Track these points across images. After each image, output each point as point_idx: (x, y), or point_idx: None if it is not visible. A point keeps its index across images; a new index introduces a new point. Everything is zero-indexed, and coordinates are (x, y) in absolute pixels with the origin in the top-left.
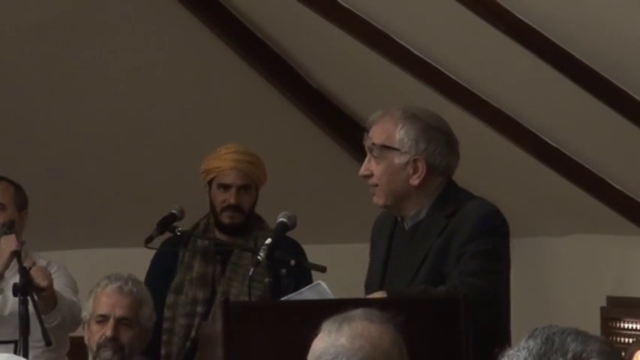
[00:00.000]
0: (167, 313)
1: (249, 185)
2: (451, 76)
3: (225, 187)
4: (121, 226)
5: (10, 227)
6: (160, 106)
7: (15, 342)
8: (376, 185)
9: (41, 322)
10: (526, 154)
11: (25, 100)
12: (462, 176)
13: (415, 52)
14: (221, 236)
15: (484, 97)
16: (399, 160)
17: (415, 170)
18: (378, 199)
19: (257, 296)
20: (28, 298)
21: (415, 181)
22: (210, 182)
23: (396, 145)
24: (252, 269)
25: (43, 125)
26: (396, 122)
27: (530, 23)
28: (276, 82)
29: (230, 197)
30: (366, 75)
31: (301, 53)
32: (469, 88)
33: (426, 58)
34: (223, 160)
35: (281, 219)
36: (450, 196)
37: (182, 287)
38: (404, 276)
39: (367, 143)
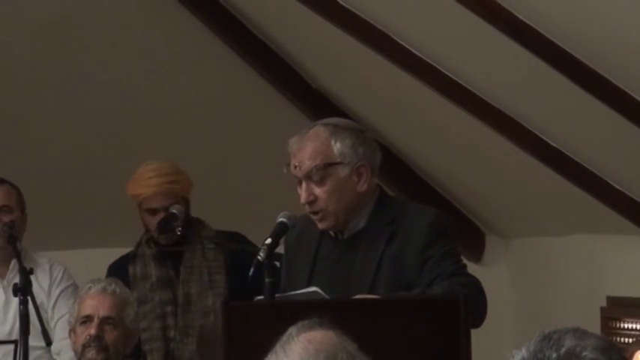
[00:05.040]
0: (141, 324)
1: (175, 203)
2: (451, 76)
3: (153, 211)
4: (121, 226)
5: (11, 227)
6: (160, 106)
7: (15, 342)
8: (322, 210)
9: (41, 322)
10: (526, 154)
11: (25, 99)
12: (463, 177)
13: (415, 52)
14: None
15: (484, 97)
16: (343, 172)
17: (360, 176)
18: (327, 223)
19: (219, 294)
20: (28, 298)
21: (363, 186)
22: (139, 204)
23: (338, 159)
24: (252, 269)
25: (44, 125)
26: (326, 139)
27: (530, 23)
28: (276, 82)
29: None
30: (366, 75)
31: (301, 53)
32: (469, 88)
33: (425, 58)
34: (145, 187)
35: (281, 219)
36: (385, 204)
37: (145, 296)
38: (352, 285)
39: (301, 171)
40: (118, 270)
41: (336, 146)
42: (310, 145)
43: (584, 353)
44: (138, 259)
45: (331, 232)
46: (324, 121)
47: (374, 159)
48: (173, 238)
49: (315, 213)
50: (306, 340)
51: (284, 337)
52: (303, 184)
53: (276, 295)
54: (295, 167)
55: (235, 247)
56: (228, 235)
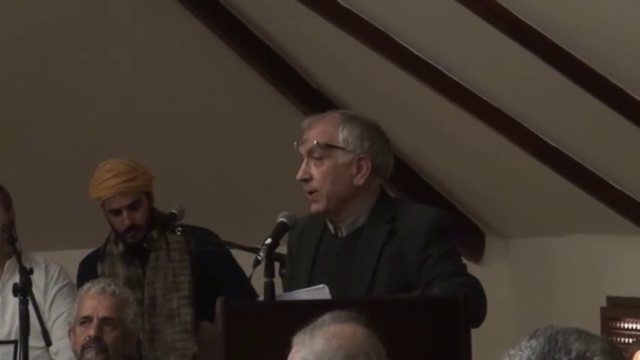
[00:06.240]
0: None
1: (137, 200)
2: (451, 75)
3: (116, 211)
4: None
5: (10, 228)
6: (160, 107)
7: (15, 342)
8: (315, 191)
9: (41, 322)
10: (526, 154)
11: (25, 100)
12: (463, 177)
13: (415, 52)
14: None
15: (484, 97)
16: (343, 159)
17: (359, 170)
18: (319, 205)
19: (184, 296)
20: (28, 298)
21: (360, 180)
22: (102, 206)
23: (341, 144)
24: (252, 269)
25: (43, 125)
26: (336, 123)
27: (529, 23)
28: (276, 81)
29: (125, 220)
30: (366, 75)
31: (301, 53)
32: (469, 88)
33: (425, 58)
34: (104, 189)
35: (281, 219)
36: (386, 203)
37: None
38: (351, 283)
39: (305, 146)
40: (89, 268)
41: (343, 133)
42: (320, 124)
43: (595, 358)
44: (106, 258)
45: (331, 229)
46: (344, 110)
47: (380, 158)
48: (137, 237)
49: (310, 193)
50: (332, 332)
51: (319, 321)
52: (304, 162)
53: (282, 294)
54: (302, 143)
55: (203, 248)
56: (195, 230)
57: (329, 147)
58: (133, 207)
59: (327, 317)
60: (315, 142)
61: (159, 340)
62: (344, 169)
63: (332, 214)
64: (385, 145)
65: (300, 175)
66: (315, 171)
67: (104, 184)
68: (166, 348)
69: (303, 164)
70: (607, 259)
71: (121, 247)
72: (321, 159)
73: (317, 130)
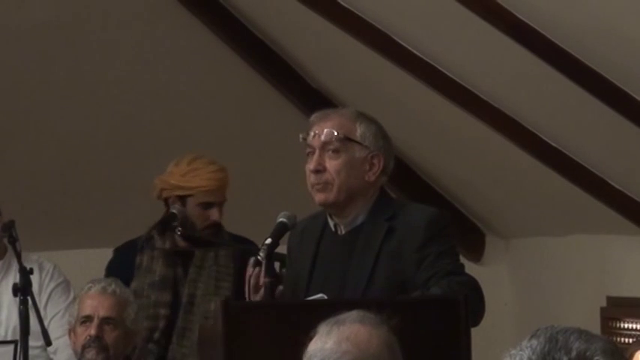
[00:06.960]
0: None
1: (225, 199)
2: (451, 75)
3: (208, 205)
4: (119, 226)
5: (11, 227)
6: (160, 107)
7: (15, 342)
8: (326, 182)
9: (41, 322)
10: (526, 154)
11: (24, 100)
12: (463, 176)
13: (415, 52)
14: (181, 243)
15: (484, 97)
16: (359, 154)
17: (372, 166)
18: (328, 194)
19: (224, 295)
20: (28, 298)
21: (372, 177)
22: (181, 197)
23: (358, 139)
24: (252, 269)
25: (42, 125)
26: (351, 118)
27: (530, 23)
28: (276, 81)
29: (214, 215)
30: (366, 75)
31: (301, 53)
32: (469, 87)
33: (425, 58)
34: (208, 180)
35: (281, 219)
36: (385, 202)
37: (142, 291)
38: (350, 280)
39: (321, 138)
40: (128, 256)
41: (360, 128)
42: (336, 117)
43: (595, 358)
44: (147, 250)
45: (332, 226)
46: (351, 109)
47: (389, 157)
48: (196, 237)
49: (318, 184)
50: (347, 334)
51: (343, 315)
52: (316, 154)
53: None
54: (314, 135)
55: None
56: (241, 241)
57: (348, 140)
58: (222, 204)
59: (352, 314)
60: (335, 133)
61: (189, 338)
62: (359, 163)
63: (338, 208)
64: (392, 146)
65: (313, 165)
66: (329, 163)
67: (210, 174)
68: (195, 347)
69: (316, 156)
70: (607, 259)
71: (167, 243)
72: (337, 151)
73: (333, 123)
